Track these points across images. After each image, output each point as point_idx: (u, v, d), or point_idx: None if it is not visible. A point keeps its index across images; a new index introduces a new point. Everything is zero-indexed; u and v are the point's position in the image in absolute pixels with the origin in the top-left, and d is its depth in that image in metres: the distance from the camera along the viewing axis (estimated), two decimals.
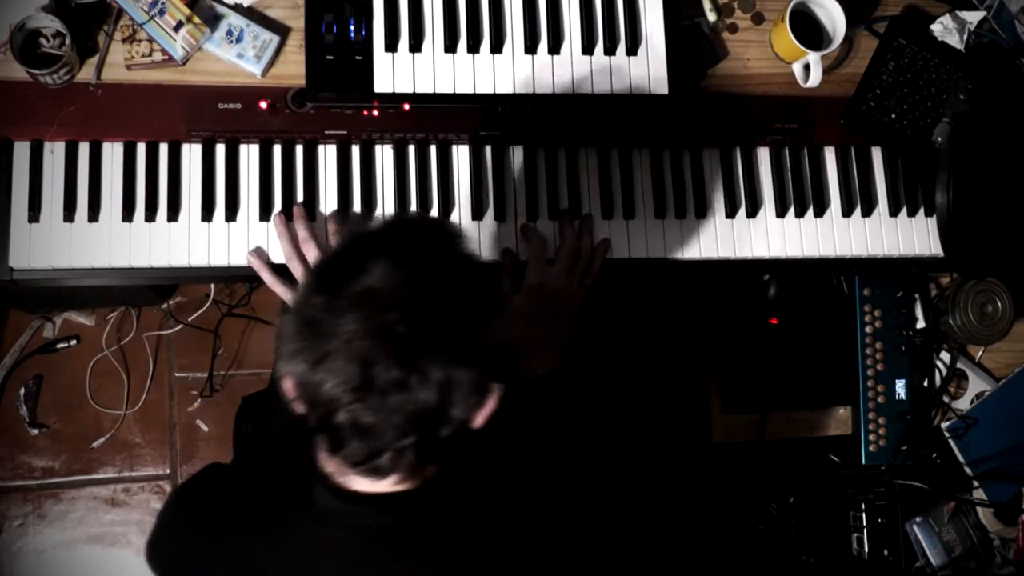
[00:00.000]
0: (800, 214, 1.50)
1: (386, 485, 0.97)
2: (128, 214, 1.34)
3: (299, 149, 1.39)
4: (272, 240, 1.36)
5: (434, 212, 1.40)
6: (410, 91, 1.39)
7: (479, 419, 0.95)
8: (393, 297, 0.87)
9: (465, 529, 1.00)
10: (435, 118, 1.42)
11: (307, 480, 1.00)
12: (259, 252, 1.35)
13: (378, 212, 1.39)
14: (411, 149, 1.42)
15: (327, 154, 1.40)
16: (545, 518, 1.04)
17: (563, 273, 1.36)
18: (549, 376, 1.31)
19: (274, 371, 1.56)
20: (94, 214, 1.33)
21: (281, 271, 1.34)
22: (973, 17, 1.56)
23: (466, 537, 1.00)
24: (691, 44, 1.50)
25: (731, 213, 1.48)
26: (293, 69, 1.40)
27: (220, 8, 1.39)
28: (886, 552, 1.63)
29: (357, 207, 1.38)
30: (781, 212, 1.49)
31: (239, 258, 1.35)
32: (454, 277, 0.93)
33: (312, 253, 1.31)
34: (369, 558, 0.97)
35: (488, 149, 1.43)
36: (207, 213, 1.36)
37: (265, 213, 1.36)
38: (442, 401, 0.88)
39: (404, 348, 0.86)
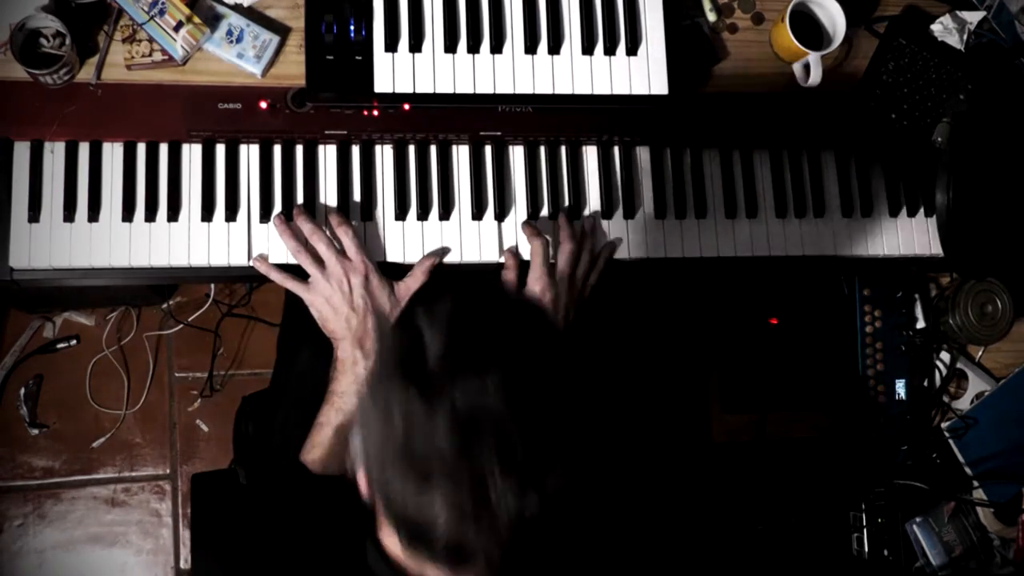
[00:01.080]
0: (800, 214, 1.50)
1: None
2: (128, 214, 1.34)
3: (299, 149, 1.39)
4: (272, 240, 1.35)
5: (434, 212, 1.40)
6: (410, 91, 1.39)
7: None
8: (513, 416, 0.78)
9: None
10: (435, 118, 1.42)
11: (359, 545, 0.93)
12: (263, 256, 1.35)
13: (378, 212, 1.39)
14: (411, 149, 1.42)
15: (327, 154, 1.40)
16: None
17: (565, 277, 1.36)
18: None
19: (276, 371, 1.56)
20: (94, 214, 1.33)
21: (287, 268, 1.34)
22: (973, 17, 1.56)
23: None
24: (691, 44, 1.50)
25: (731, 213, 1.48)
26: (293, 69, 1.40)
27: (220, 8, 1.38)
28: (886, 552, 1.62)
29: (357, 206, 1.39)
30: (781, 212, 1.49)
31: (239, 258, 1.35)
32: (572, 388, 0.85)
33: (321, 245, 1.31)
34: None
35: (488, 149, 1.43)
36: (207, 213, 1.36)
37: (265, 213, 1.36)
38: (549, 513, 0.80)
39: (526, 472, 0.78)
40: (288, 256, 1.34)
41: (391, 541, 0.89)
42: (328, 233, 1.33)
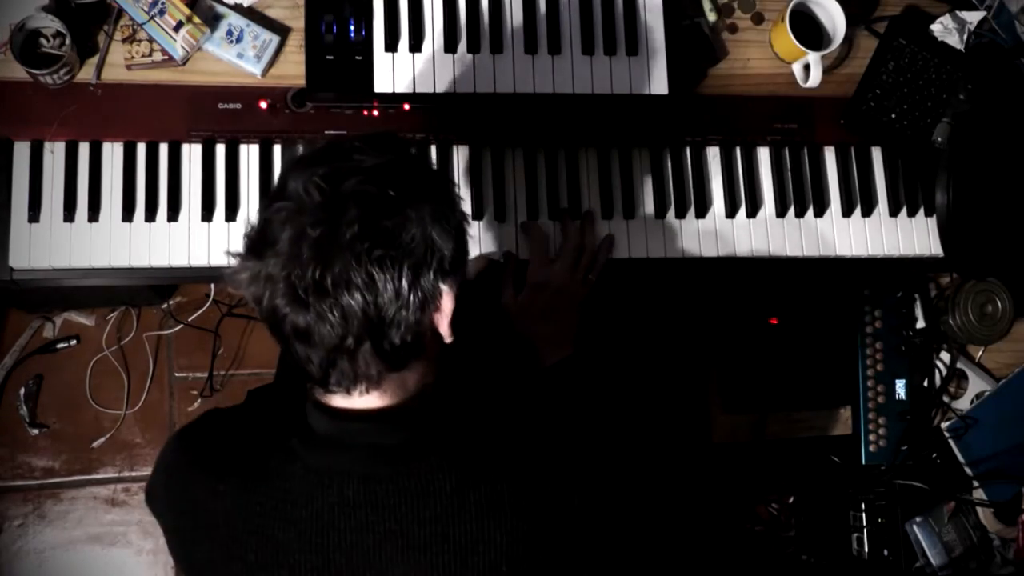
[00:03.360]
0: (800, 214, 1.50)
1: (366, 401, 0.95)
2: (128, 214, 1.34)
3: (299, 149, 1.39)
4: None
5: None
6: (410, 91, 1.39)
7: (443, 325, 0.94)
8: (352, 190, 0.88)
9: (469, 446, 0.97)
10: (435, 118, 1.42)
11: (301, 409, 0.99)
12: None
13: None
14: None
15: None
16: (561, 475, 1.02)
17: (566, 270, 1.37)
18: (558, 366, 1.32)
19: (280, 365, 1.56)
20: (94, 214, 1.33)
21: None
22: (973, 17, 1.56)
23: (471, 453, 0.97)
24: (691, 44, 1.50)
25: (731, 213, 1.48)
26: (293, 69, 1.40)
27: (220, 8, 1.39)
28: (886, 552, 1.62)
29: None
30: (781, 212, 1.49)
31: None
32: (410, 173, 0.95)
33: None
34: (374, 476, 0.94)
35: (488, 149, 1.43)
36: (207, 213, 1.36)
37: None
38: (380, 300, 0.87)
39: (354, 243, 0.86)
40: None
41: (322, 396, 0.97)
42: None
